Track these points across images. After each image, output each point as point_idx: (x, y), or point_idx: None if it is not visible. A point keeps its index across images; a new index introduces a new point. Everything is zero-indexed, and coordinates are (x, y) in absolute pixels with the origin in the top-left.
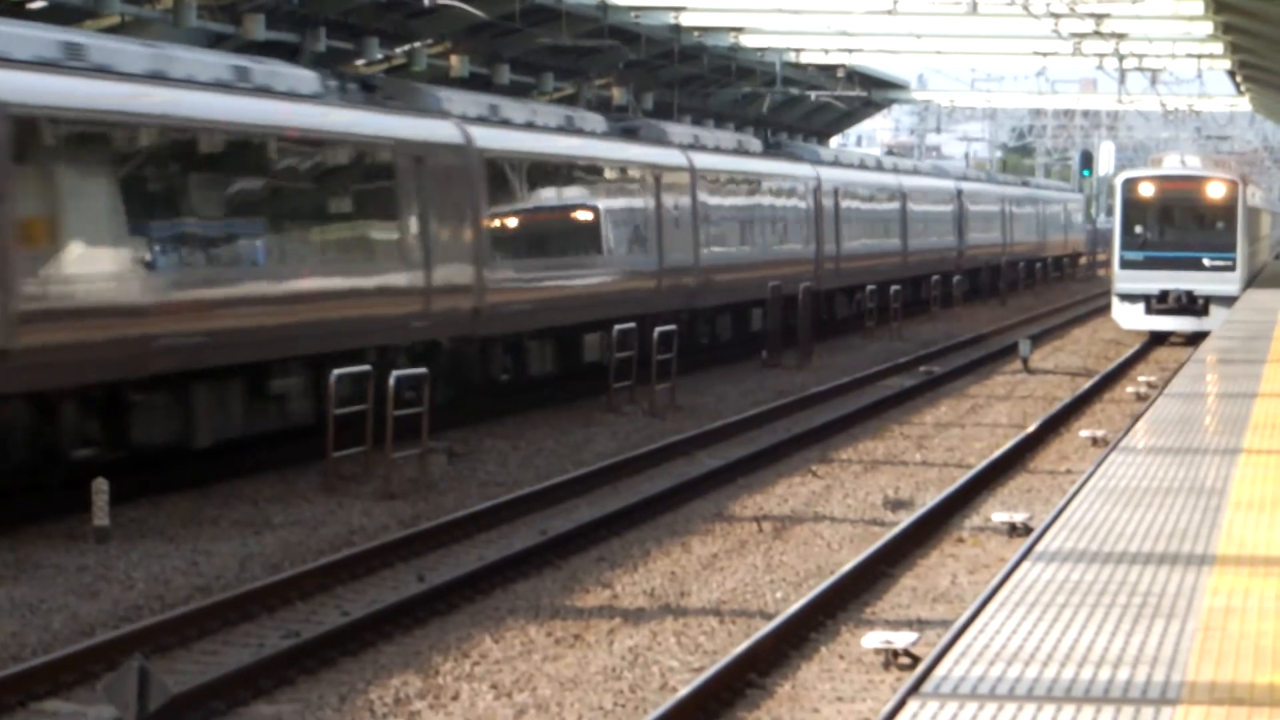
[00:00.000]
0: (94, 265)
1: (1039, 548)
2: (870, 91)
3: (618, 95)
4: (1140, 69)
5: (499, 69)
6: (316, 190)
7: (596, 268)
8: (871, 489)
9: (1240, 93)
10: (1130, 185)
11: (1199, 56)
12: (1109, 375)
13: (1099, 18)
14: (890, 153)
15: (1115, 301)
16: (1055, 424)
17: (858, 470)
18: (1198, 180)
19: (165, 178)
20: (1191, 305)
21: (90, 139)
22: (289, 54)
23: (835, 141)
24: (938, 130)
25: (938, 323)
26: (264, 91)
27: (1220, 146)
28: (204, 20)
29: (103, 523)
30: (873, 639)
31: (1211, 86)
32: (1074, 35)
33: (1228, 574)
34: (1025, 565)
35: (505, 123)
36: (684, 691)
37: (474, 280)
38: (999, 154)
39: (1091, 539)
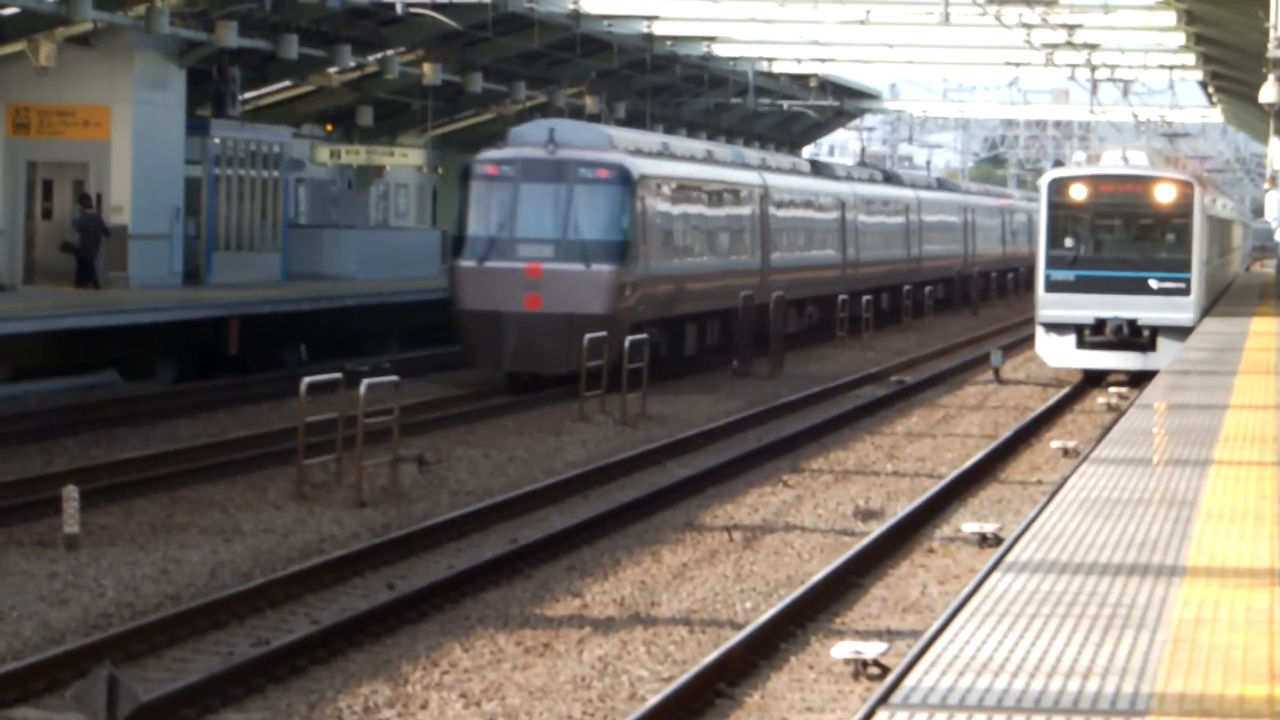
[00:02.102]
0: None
1: (1010, 558)
2: (842, 101)
3: (590, 104)
4: (1112, 80)
5: (471, 77)
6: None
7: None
8: (842, 499)
9: (1212, 104)
10: (1058, 187)
11: (1171, 68)
12: (1080, 386)
13: (1071, 29)
14: (863, 163)
15: (1039, 333)
16: (1026, 434)
17: (828, 480)
18: (1143, 181)
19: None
20: (1135, 338)
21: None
22: (260, 61)
23: (808, 151)
24: (910, 140)
25: (909, 333)
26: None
27: (1181, 146)
28: (176, 27)
29: (73, 529)
30: (842, 649)
31: (1183, 98)
32: (1046, 46)
33: (1198, 585)
34: (996, 576)
35: (874, 180)
36: (653, 701)
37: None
38: (970, 164)
39: (1062, 550)
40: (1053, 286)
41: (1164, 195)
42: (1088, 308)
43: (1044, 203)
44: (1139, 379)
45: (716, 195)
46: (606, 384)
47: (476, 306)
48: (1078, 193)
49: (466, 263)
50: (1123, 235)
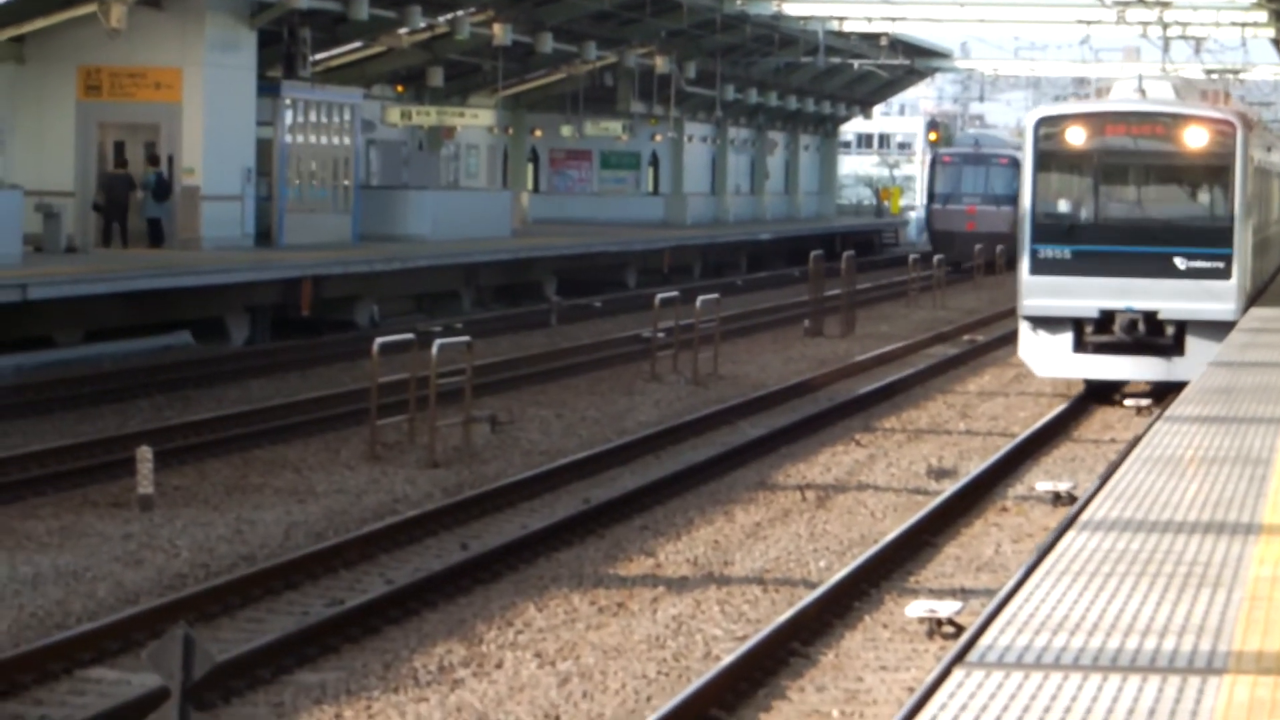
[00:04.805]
0: None
1: (1083, 516)
2: (913, 60)
3: (660, 64)
4: (1184, 37)
5: (542, 37)
6: None
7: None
8: (915, 458)
9: None
10: (1049, 129)
11: (1243, 25)
12: None
13: None
14: (934, 122)
15: (1023, 330)
16: (1100, 392)
17: (901, 439)
18: (1166, 120)
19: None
20: (1154, 337)
21: None
22: (331, 21)
23: (878, 110)
24: (981, 99)
25: (981, 291)
26: None
27: (1243, 93)
28: None
29: (147, 490)
30: (917, 608)
31: (1255, 55)
32: (1118, 3)
33: (1274, 543)
34: (1070, 534)
35: None
36: (727, 660)
37: None
38: None
39: (1136, 508)
40: (1041, 266)
41: (1195, 139)
42: (1089, 295)
43: (1029, 150)
44: (1161, 392)
45: None
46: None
47: (941, 228)
48: (1075, 136)
49: (937, 206)
50: (1138, 195)
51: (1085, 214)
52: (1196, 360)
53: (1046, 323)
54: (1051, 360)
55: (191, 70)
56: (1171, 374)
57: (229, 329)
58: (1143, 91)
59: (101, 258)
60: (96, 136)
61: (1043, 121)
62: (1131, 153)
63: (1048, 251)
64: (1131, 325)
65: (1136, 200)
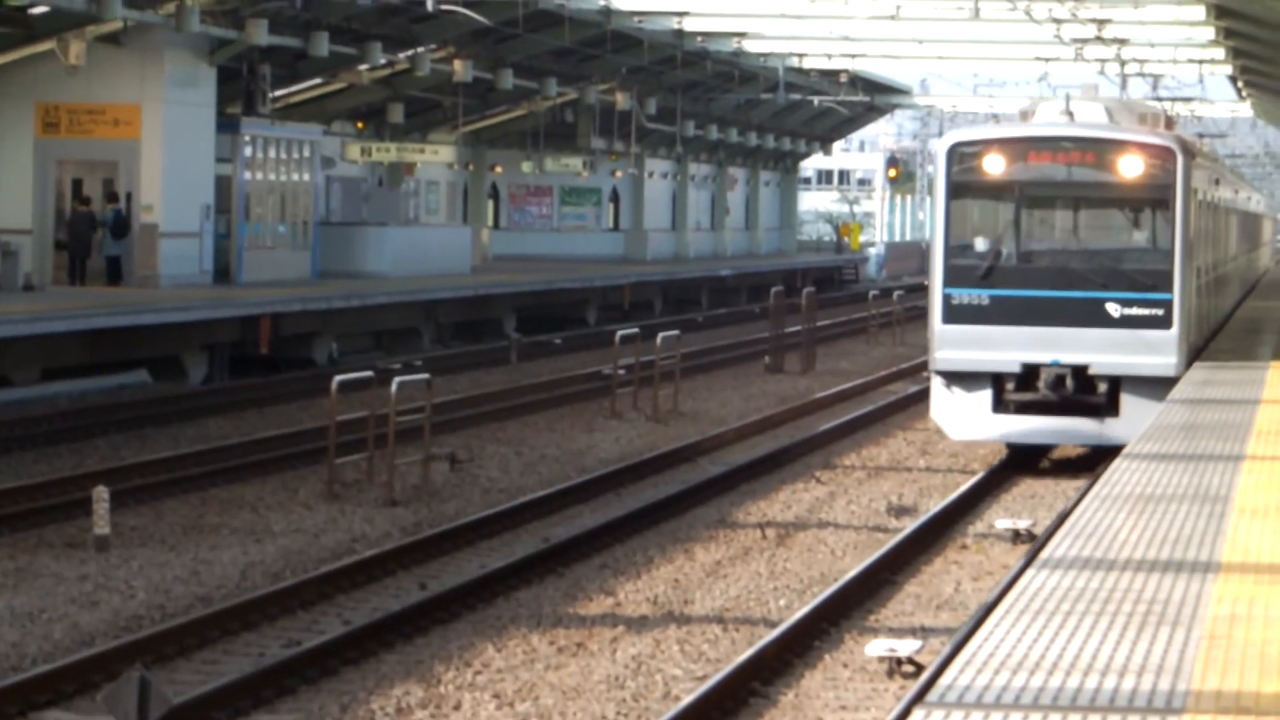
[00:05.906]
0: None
1: (1043, 555)
2: (873, 96)
3: (621, 100)
4: (1142, 74)
5: (502, 74)
6: None
7: None
8: (875, 495)
9: (1241, 98)
10: (963, 156)
11: (1200, 62)
12: None
13: (1100, 23)
14: (893, 159)
15: (935, 386)
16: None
17: (861, 476)
18: (1095, 146)
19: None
20: (1084, 395)
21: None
22: (291, 58)
23: (838, 147)
24: (940, 135)
25: None
26: None
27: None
28: (207, 25)
29: (103, 531)
30: (877, 647)
31: (1213, 92)
32: (1075, 40)
33: (1233, 581)
34: (1030, 572)
35: None
36: (687, 700)
37: None
38: None
39: (1095, 546)
40: (955, 314)
41: (1129, 168)
42: (1009, 347)
43: (940, 180)
44: (1095, 457)
45: None
46: None
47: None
48: (993, 165)
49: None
50: (1065, 232)
51: (1005, 254)
52: (1133, 421)
53: (961, 379)
54: (968, 422)
55: (150, 107)
56: (1104, 436)
57: (186, 367)
58: (1070, 114)
59: (59, 296)
60: (55, 174)
61: (957, 147)
62: (1057, 184)
63: (962, 297)
64: (1058, 382)
65: (1064, 238)
